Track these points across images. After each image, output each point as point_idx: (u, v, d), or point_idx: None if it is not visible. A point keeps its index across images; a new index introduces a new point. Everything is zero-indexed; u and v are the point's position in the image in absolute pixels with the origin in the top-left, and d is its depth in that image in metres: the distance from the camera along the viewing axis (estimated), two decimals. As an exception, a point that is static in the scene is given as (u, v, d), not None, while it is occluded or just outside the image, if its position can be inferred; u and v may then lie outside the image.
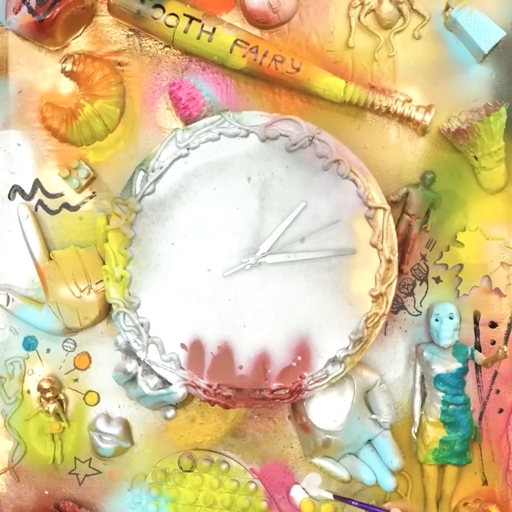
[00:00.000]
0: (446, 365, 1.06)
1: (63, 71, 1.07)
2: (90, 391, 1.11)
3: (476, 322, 1.09)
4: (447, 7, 1.06)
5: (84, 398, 1.11)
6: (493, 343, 1.09)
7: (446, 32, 1.08)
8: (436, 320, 1.06)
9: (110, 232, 1.03)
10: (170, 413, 1.05)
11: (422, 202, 1.07)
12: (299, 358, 1.02)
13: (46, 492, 1.12)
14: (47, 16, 1.03)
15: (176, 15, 1.04)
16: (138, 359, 1.03)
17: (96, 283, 1.07)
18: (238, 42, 1.04)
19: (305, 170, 1.02)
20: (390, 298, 1.01)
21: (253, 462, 1.10)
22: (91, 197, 1.10)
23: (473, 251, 1.08)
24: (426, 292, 1.09)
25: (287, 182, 1.02)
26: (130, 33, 1.09)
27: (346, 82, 1.05)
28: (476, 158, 1.06)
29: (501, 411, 1.10)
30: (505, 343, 1.09)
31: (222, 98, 1.09)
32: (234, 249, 1.03)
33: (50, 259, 1.08)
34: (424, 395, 1.09)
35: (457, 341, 1.07)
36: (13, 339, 1.11)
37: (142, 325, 1.02)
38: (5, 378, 1.11)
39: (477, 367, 1.09)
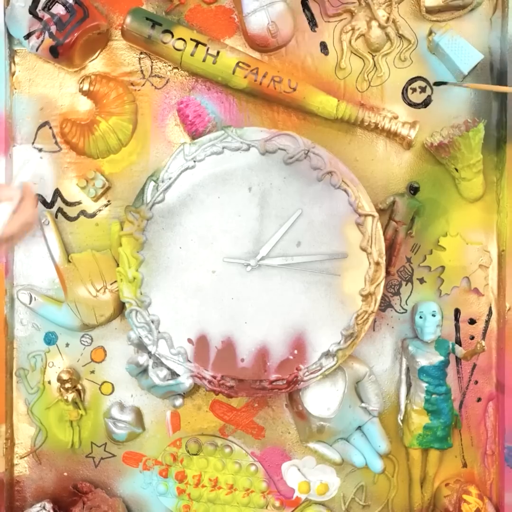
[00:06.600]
0: (429, 358, 1.08)
1: (80, 90, 1.11)
2: (105, 381, 1.14)
3: (456, 319, 1.12)
4: (430, 32, 1.09)
5: (100, 388, 1.14)
6: (472, 338, 1.12)
7: (429, 55, 1.11)
8: (420, 317, 1.09)
9: (123, 237, 1.06)
10: (178, 401, 1.08)
11: (408, 210, 1.09)
12: (296, 351, 1.05)
13: (65, 474, 1.14)
14: (66, 41, 1.06)
15: (184, 40, 1.07)
16: (149, 352, 1.06)
17: (111, 284, 1.10)
18: (240, 64, 1.07)
19: (301, 180, 1.05)
20: (378, 297, 1.05)
21: (254, 446, 1.13)
22: (106, 205, 1.13)
23: (454, 254, 1.10)
24: (411, 292, 1.12)
25: (285, 192, 1.05)
26: (142, 56, 1.12)
27: (338, 101, 1.08)
28: (456, 169, 1.09)
29: (479, 400, 1.13)
30: (483, 338, 1.12)
31: (226, 115, 1.12)
32: (236, 252, 1.05)
33: (69, 261, 1.11)
34: (409, 386, 1.11)
35: (439, 336, 1.10)
36: (35, 335, 1.13)
37: (152, 321, 1.06)
38: (28, 370, 1.13)
39: (458, 360, 1.12)
